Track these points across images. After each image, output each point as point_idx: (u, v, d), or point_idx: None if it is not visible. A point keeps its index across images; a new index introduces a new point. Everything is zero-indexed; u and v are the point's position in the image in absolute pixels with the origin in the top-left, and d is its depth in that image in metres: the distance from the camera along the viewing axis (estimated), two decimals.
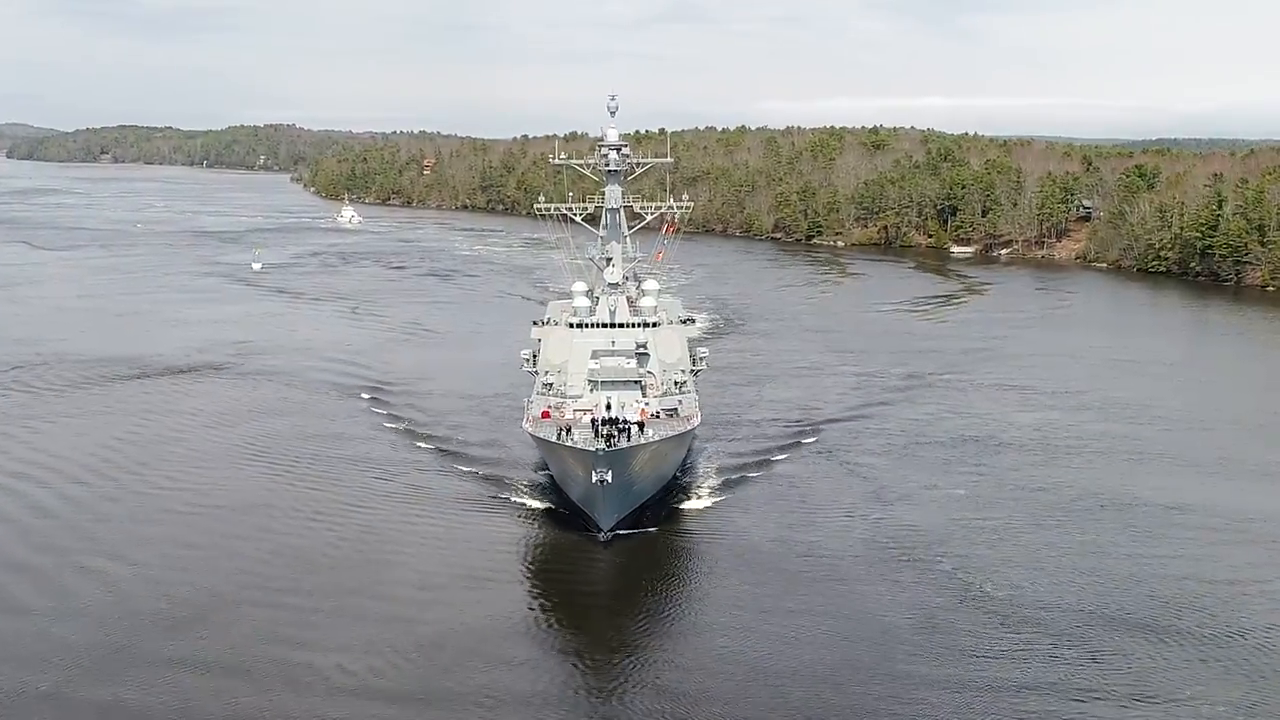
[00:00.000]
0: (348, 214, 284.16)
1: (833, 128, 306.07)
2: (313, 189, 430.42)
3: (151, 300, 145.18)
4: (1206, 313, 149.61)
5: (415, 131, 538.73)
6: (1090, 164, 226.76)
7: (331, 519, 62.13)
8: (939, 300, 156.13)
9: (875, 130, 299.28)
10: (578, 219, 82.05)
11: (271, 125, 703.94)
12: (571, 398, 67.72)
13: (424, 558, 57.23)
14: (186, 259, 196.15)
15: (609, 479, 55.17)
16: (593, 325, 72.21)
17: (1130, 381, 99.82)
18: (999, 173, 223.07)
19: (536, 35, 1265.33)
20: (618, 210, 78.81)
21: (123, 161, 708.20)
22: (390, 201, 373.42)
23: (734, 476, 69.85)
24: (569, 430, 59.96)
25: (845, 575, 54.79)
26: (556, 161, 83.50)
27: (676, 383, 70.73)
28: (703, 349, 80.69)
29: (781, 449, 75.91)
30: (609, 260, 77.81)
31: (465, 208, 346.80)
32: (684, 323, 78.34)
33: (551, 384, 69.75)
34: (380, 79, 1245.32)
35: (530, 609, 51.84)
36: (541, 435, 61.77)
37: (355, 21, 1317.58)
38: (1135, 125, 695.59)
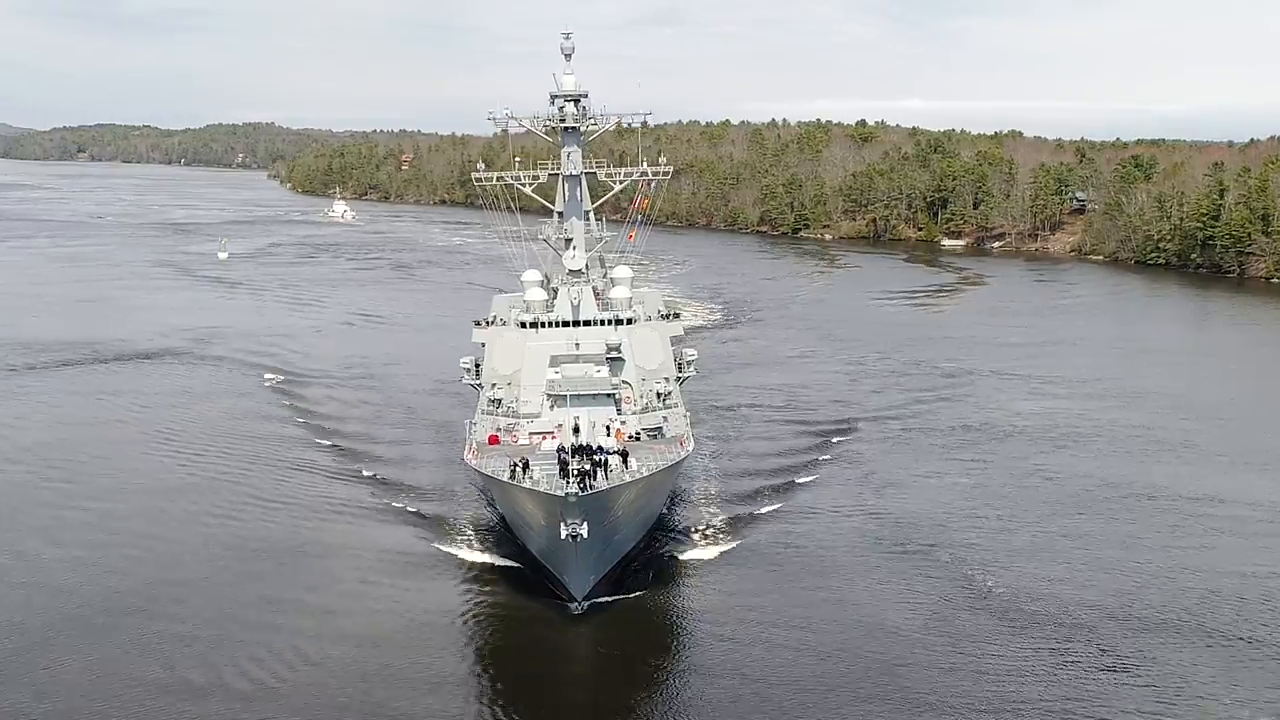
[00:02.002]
0: (340, 208, 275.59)
1: (819, 121, 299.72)
2: (289, 185, 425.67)
3: (109, 288, 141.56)
4: (1212, 304, 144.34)
5: (395, 130, 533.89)
6: (1084, 155, 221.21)
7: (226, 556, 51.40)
8: (935, 292, 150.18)
9: (863, 123, 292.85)
10: (528, 189, 65.00)
11: (250, 124, 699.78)
12: (526, 417, 53.74)
13: (327, 645, 42.45)
14: (152, 249, 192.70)
15: (584, 533, 41.52)
16: (551, 324, 57.89)
17: (1142, 372, 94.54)
18: (991, 164, 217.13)
19: (518, 36, 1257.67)
20: (578, 178, 62.97)
21: (100, 160, 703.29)
22: (367, 196, 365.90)
23: (738, 512, 56.15)
24: (526, 465, 45.21)
25: (894, 650, 42.09)
26: (499, 115, 64.41)
27: (659, 394, 56.18)
28: (690, 350, 65.60)
29: (793, 467, 63.27)
30: (569, 242, 62.26)
31: (444, 202, 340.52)
32: (666, 318, 63.27)
33: (500, 400, 55.28)
34: (360, 79, 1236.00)
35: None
36: (490, 473, 47.10)
37: (336, 22, 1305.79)
38: (1117, 127, 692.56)
